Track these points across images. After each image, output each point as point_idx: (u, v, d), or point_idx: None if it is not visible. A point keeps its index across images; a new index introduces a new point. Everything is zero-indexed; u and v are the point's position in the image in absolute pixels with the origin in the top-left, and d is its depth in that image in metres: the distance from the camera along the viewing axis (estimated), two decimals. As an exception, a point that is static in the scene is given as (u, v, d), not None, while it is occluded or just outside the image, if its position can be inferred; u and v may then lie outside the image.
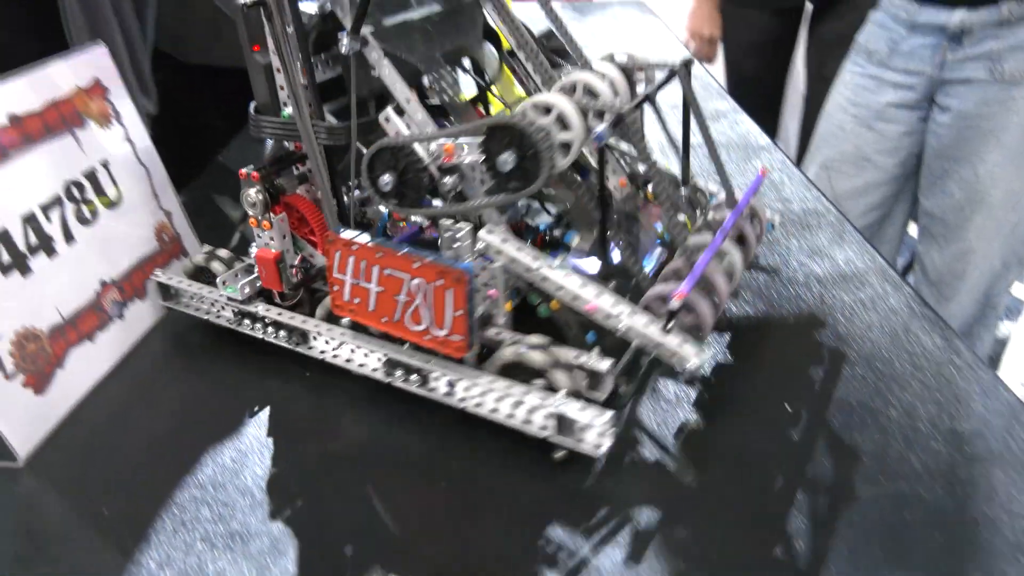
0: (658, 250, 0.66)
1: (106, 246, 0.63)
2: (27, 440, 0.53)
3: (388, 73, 0.53)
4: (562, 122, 0.50)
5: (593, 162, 0.63)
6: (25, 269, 0.55)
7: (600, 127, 0.48)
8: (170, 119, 0.94)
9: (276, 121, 0.56)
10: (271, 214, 0.57)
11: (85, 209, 0.62)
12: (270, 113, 0.57)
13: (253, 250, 0.60)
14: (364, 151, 0.53)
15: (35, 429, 0.54)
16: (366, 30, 0.53)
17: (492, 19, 0.65)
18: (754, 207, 0.63)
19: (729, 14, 1.69)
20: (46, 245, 0.57)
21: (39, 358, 0.55)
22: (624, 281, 0.58)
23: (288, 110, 0.56)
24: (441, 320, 0.48)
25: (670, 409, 0.55)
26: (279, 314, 0.59)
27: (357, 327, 0.56)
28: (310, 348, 0.58)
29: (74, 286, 0.60)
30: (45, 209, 0.58)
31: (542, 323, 0.56)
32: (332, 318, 0.57)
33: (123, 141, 0.66)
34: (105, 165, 0.64)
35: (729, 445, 0.52)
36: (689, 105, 0.61)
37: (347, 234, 0.51)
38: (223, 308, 0.62)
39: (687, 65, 0.60)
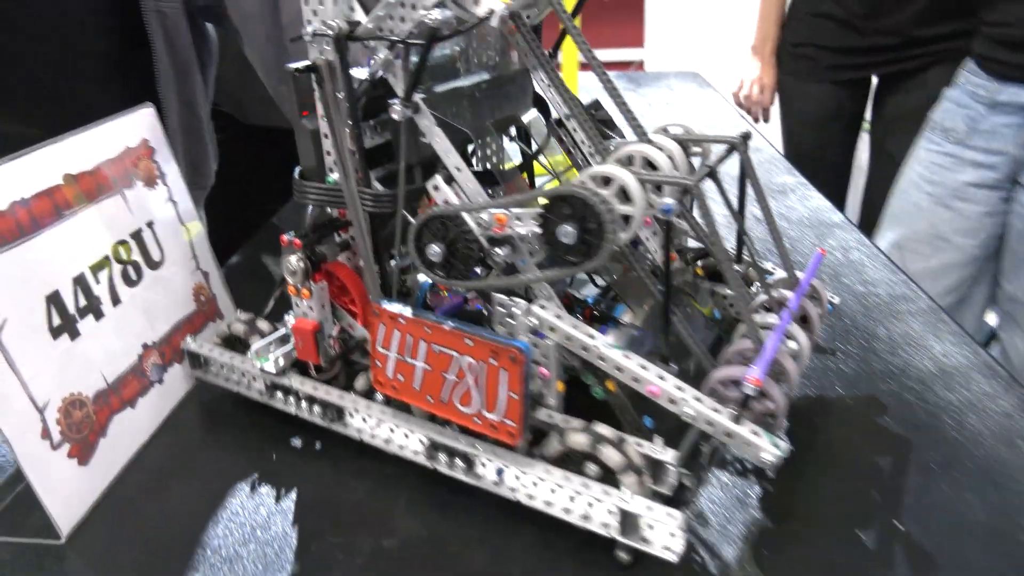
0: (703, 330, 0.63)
1: (149, 308, 0.62)
2: (71, 516, 0.50)
3: (439, 141, 0.51)
4: (623, 194, 0.48)
5: (642, 234, 0.61)
6: (74, 332, 0.53)
7: (668, 199, 0.45)
8: (228, 179, 0.94)
9: (321, 187, 0.54)
10: (311, 282, 0.54)
11: (131, 270, 0.60)
12: (315, 178, 0.55)
13: (290, 319, 0.57)
14: (411, 220, 0.51)
15: (78, 504, 0.51)
16: (417, 97, 0.51)
17: (541, 86, 0.63)
18: (815, 286, 0.60)
19: (789, 86, 1.57)
20: (94, 307, 0.55)
21: (84, 426, 0.52)
22: (682, 362, 0.55)
23: (334, 176, 0.54)
24: (493, 403, 0.45)
25: (736, 509, 0.50)
26: (314, 388, 0.55)
27: (396, 404, 0.52)
28: (346, 426, 0.55)
29: (119, 350, 0.58)
30: (95, 270, 0.56)
31: (595, 404, 0.52)
32: (370, 393, 0.54)
33: (167, 202, 0.65)
34: (150, 225, 0.63)
35: (810, 560, 0.46)
36: (747, 179, 0.58)
37: (393, 307, 0.48)
38: (254, 379, 0.59)
39: (746, 138, 0.58)
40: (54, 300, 0.52)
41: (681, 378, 0.48)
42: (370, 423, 0.53)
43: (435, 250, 0.50)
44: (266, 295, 0.66)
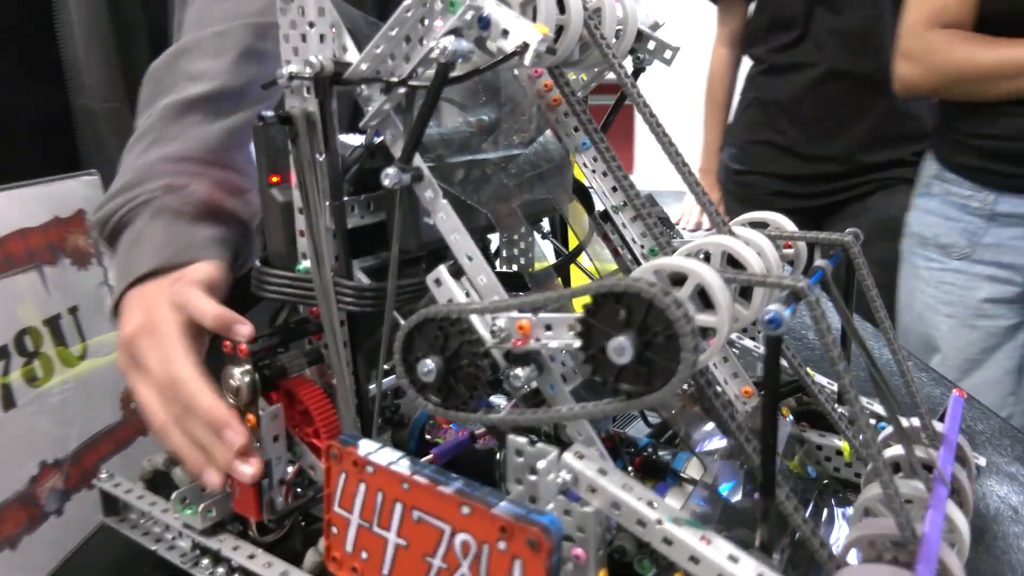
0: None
1: (57, 415, 0.47)
2: None
3: (444, 218, 0.38)
4: (702, 298, 0.33)
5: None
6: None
7: (775, 306, 0.30)
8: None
9: (285, 276, 0.40)
10: (258, 405, 0.39)
11: (37, 365, 0.46)
12: (284, 266, 0.42)
13: (229, 455, 0.41)
14: (401, 322, 0.37)
15: None
16: (421, 162, 0.38)
17: (587, 171, 0.51)
18: (960, 444, 0.43)
19: (735, 212, 1.51)
20: (-25, 409, 0.41)
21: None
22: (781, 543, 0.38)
23: (306, 263, 0.41)
24: (500, 610, 0.28)
25: None
26: (250, 556, 0.39)
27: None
28: (290, 615, 0.38)
29: (4, 468, 0.43)
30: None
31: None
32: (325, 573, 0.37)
33: (100, 286, 0.52)
34: (73, 311, 0.49)
35: None
36: (859, 286, 0.44)
37: (363, 446, 0.33)
38: (178, 536, 0.43)
39: (857, 237, 0.44)
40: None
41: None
42: (321, 618, 0.36)
43: (429, 366, 0.35)
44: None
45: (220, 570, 0.41)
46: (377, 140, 0.43)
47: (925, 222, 1.10)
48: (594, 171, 0.52)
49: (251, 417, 0.39)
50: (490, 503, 0.28)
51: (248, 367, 0.39)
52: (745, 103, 1.39)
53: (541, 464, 0.30)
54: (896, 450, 0.41)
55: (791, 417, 0.52)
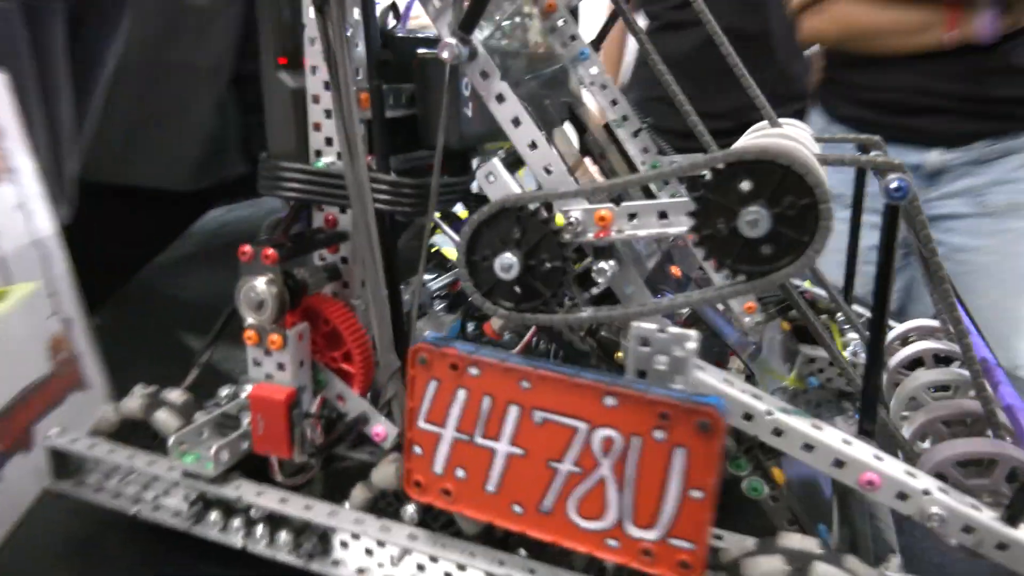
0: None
1: None
2: None
3: (507, 104, 0.34)
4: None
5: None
6: None
7: (899, 176, 0.29)
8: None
9: (308, 171, 0.34)
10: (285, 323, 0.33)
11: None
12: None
13: (242, 390, 0.35)
14: (443, 230, 0.32)
15: None
16: (476, 37, 0.34)
17: (586, 84, 0.48)
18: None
19: None
20: None
21: None
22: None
23: (326, 159, 0.35)
24: (651, 510, 0.25)
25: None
26: (282, 500, 0.33)
27: (436, 521, 0.31)
28: (335, 564, 0.33)
29: None
30: None
31: (734, 502, 0.33)
32: (378, 507, 0.33)
33: (14, 209, 0.42)
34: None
35: None
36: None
37: (456, 347, 0.28)
38: (165, 493, 0.36)
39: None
40: None
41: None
42: (383, 558, 0.32)
43: (510, 260, 0.31)
44: (145, 367, 0.42)
45: (235, 522, 0.34)
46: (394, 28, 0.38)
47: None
48: (592, 83, 0.50)
49: (277, 338, 0.33)
50: (645, 389, 0.25)
51: (275, 275, 0.33)
52: (641, 59, 1.41)
53: (689, 345, 0.27)
54: (918, 346, 0.43)
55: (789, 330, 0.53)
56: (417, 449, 0.29)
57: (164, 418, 0.36)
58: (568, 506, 0.27)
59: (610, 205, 0.32)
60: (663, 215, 0.30)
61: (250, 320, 0.33)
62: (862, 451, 0.30)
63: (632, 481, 0.26)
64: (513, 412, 0.27)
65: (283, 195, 0.35)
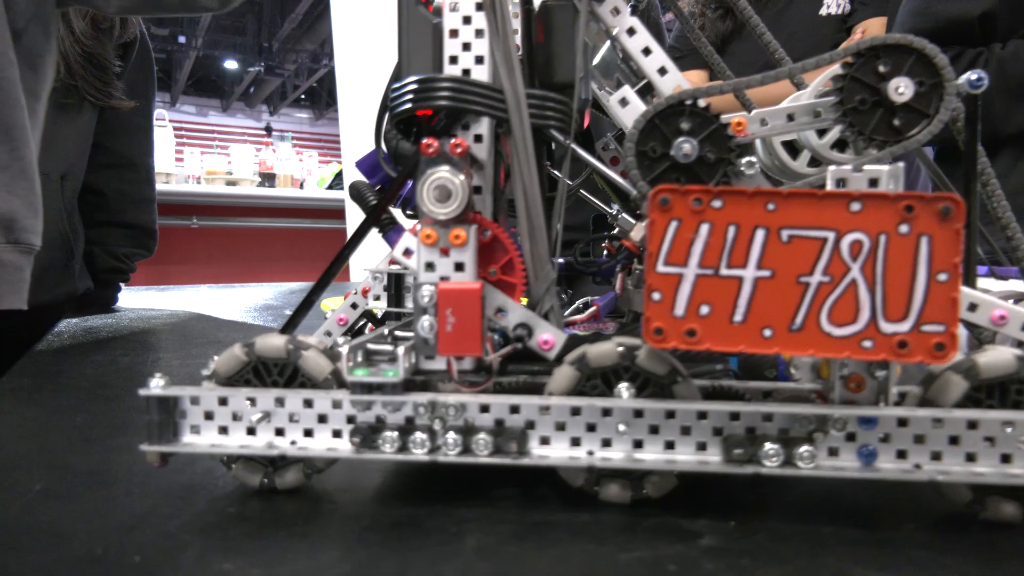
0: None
1: None
2: None
3: (637, 35, 0.38)
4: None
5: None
6: None
7: (976, 71, 0.37)
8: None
9: (465, 82, 0.35)
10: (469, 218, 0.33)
11: None
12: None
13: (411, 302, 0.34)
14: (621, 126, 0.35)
15: None
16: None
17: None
18: None
19: None
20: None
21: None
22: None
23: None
24: (903, 301, 0.28)
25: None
26: (517, 378, 0.31)
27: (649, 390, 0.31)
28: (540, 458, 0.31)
29: None
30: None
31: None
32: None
33: None
34: None
35: None
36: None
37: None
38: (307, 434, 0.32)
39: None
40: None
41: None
42: (594, 442, 0.31)
43: (691, 144, 0.34)
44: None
45: (451, 437, 0.31)
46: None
47: None
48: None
49: (461, 233, 0.33)
50: (887, 191, 0.29)
51: (461, 166, 0.33)
52: None
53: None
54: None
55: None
56: (656, 295, 0.30)
57: (314, 357, 0.33)
58: (821, 317, 0.29)
59: (743, 113, 0.36)
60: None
61: (433, 212, 0.32)
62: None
63: (881, 278, 0.28)
64: (759, 236, 0.29)
65: (440, 106, 0.35)
